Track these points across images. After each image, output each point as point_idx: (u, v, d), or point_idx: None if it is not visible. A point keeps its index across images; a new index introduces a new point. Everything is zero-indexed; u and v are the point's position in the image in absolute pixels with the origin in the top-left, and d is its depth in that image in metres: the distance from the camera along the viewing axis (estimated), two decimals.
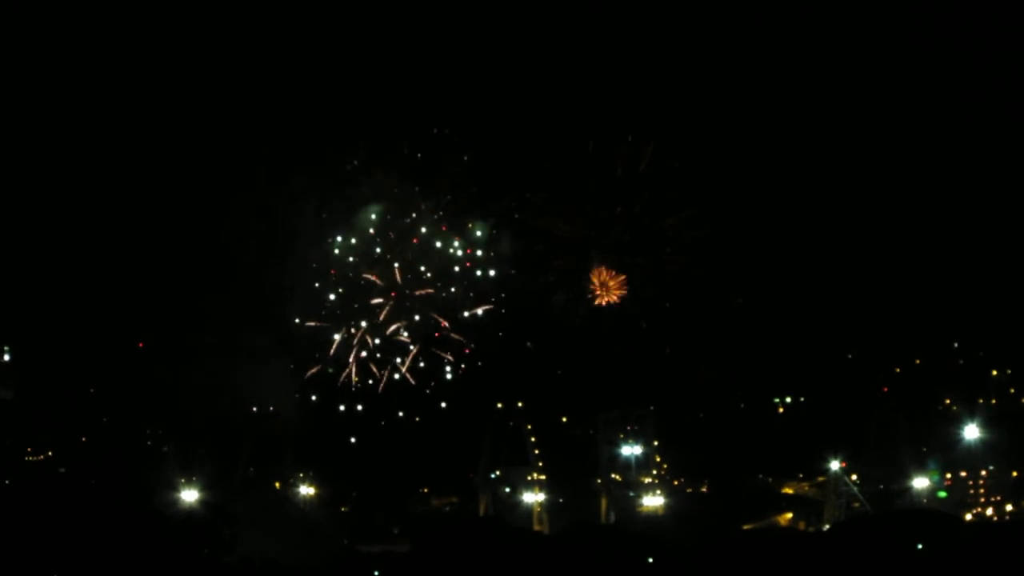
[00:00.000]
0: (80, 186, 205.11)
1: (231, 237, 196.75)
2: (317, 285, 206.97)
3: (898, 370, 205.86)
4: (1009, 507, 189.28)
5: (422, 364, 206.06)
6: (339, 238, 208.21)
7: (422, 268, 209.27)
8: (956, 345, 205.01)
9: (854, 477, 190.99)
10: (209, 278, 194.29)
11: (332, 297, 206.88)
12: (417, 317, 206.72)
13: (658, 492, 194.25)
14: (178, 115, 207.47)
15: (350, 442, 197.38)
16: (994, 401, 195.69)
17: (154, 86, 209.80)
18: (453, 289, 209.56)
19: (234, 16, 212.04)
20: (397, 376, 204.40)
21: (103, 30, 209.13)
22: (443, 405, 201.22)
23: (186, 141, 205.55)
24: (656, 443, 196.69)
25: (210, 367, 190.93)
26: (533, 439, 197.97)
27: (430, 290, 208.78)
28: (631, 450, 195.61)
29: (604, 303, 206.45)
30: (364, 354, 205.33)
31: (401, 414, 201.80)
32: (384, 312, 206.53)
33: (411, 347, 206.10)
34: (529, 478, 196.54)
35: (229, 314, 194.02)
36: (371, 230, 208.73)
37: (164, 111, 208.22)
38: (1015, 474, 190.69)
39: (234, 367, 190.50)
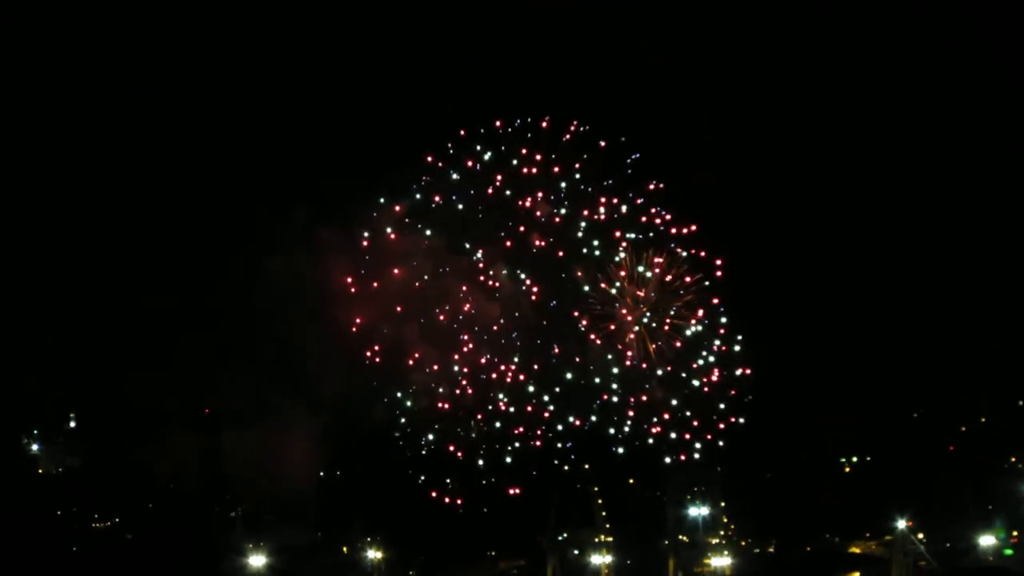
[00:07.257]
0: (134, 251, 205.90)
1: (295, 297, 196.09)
2: None
3: (964, 428, 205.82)
4: None
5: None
6: None
7: None
8: (1021, 404, 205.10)
9: (921, 536, 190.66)
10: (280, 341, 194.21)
11: None
12: None
13: (726, 553, 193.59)
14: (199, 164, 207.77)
15: (417, 506, 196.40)
16: None
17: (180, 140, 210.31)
18: None
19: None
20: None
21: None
22: (511, 465, 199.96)
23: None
24: (723, 504, 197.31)
25: (276, 434, 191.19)
26: (600, 501, 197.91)
27: None
28: (698, 511, 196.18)
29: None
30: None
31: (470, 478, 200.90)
32: None
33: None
34: (596, 540, 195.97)
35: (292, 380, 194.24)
36: None
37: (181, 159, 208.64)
38: None
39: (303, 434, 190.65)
